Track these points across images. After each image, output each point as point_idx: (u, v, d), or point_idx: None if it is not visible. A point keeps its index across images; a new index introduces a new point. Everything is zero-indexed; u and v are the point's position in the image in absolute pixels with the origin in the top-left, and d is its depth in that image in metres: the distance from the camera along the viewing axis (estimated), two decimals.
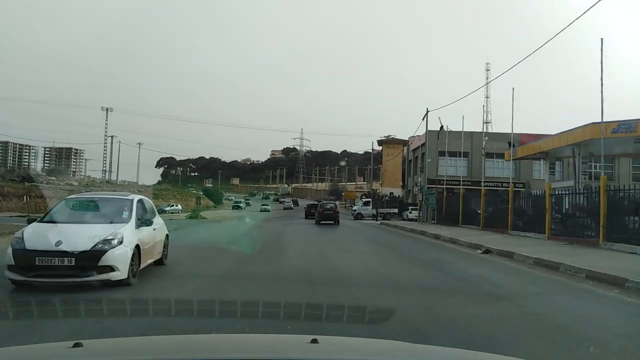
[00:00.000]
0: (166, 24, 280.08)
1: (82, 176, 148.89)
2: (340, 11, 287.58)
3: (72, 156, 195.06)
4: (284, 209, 75.38)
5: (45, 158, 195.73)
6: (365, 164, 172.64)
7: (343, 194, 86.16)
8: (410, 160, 58.53)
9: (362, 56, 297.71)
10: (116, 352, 1.87)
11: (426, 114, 34.63)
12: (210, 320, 5.32)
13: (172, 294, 7.36)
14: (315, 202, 50.53)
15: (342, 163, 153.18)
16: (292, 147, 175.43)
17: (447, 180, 48.24)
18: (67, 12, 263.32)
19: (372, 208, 44.42)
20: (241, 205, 78.35)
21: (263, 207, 69.43)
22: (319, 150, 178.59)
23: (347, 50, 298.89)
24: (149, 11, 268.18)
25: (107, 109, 68.61)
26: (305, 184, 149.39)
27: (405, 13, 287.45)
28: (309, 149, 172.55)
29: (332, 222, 33.56)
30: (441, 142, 49.25)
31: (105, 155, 69.75)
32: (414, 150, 56.03)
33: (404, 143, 69.66)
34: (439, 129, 45.48)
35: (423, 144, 51.46)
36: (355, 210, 44.75)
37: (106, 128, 68.48)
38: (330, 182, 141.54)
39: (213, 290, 7.83)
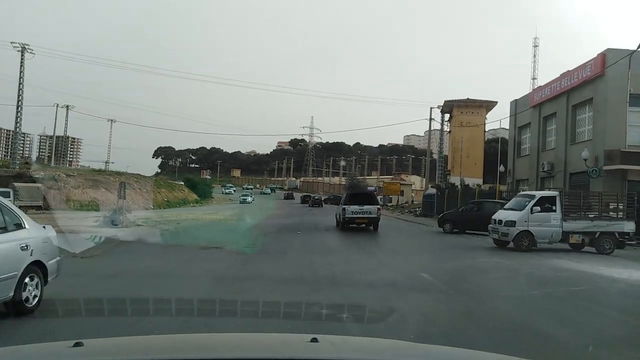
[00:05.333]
0: (172, 17, 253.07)
1: (79, 165, 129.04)
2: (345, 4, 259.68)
3: (69, 145, 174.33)
4: (261, 193, 69.03)
5: (41, 146, 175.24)
6: (387, 154, 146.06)
7: (372, 188, 58.15)
8: (526, 127, 30.95)
9: (370, 49, 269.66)
10: (116, 352, 1.73)
11: None
12: None
13: None
14: (308, 194, 59.65)
15: (342, 163, 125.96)
16: (300, 136, 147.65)
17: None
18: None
19: (572, 217, 15.33)
20: (248, 198, 55.07)
21: None
22: (329, 141, 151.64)
23: (358, 43, 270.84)
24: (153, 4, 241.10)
25: (22, 48, 41.50)
26: (316, 178, 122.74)
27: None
28: (319, 139, 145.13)
29: (319, 206, 48.21)
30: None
31: (18, 129, 42.55)
32: (539, 106, 28.48)
33: (489, 106, 42.12)
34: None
35: (597, 77, 23.70)
36: (506, 221, 15.25)
37: (21, 75, 41.23)
38: (344, 175, 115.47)
39: None
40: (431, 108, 42.89)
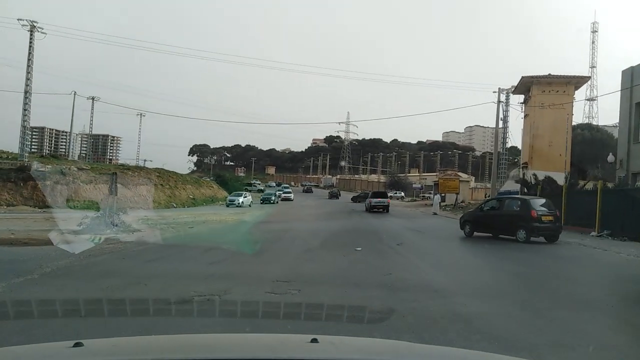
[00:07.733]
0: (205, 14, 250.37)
1: (118, 163, 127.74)
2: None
3: (109, 143, 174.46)
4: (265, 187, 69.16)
5: (83, 144, 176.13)
6: (427, 151, 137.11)
7: (417, 186, 50.49)
8: None
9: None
10: (116, 352, 1.68)
11: None
12: None
13: None
14: (333, 190, 69.82)
15: (345, 162, 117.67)
16: (336, 132, 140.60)
17: None
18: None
19: None
20: (238, 200, 40.66)
21: None
22: (366, 138, 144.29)
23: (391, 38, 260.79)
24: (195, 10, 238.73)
25: (31, 26, 36.44)
26: (352, 175, 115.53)
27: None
28: (356, 135, 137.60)
29: (336, 198, 59.20)
30: None
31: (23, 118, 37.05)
32: None
33: (578, 83, 33.83)
34: None
35: None
36: None
37: (30, 58, 36.17)
38: (382, 173, 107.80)
39: None
40: (499, 89, 35.13)
